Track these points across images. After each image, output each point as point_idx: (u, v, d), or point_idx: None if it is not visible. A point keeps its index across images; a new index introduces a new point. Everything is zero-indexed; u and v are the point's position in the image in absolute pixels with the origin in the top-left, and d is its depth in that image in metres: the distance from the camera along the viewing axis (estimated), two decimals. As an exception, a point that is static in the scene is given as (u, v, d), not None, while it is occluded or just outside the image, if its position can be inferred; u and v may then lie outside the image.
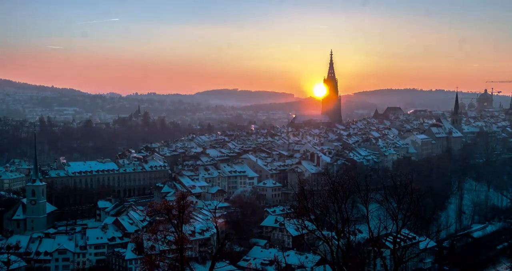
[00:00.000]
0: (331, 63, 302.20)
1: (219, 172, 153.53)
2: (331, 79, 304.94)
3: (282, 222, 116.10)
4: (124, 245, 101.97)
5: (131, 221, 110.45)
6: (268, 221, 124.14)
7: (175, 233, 51.76)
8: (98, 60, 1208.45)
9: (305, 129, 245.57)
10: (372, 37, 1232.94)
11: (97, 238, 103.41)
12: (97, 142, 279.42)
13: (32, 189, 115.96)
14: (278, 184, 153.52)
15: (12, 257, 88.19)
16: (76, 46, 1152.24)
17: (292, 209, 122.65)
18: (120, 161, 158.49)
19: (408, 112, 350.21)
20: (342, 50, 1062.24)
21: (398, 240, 40.06)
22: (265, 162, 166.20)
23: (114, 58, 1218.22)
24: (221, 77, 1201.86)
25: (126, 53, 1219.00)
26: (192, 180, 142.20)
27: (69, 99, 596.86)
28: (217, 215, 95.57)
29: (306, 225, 39.80)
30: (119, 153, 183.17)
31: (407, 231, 72.43)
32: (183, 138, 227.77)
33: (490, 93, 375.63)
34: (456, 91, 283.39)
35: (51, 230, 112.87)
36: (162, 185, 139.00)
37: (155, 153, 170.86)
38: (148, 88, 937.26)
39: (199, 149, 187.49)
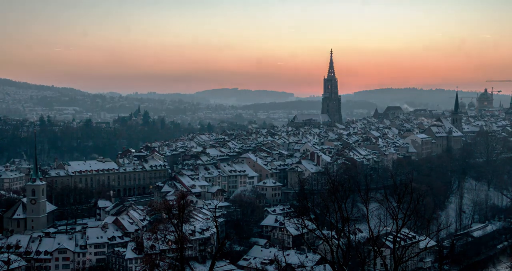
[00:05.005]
0: (331, 63, 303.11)
1: (219, 172, 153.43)
2: (331, 78, 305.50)
3: (282, 222, 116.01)
4: (124, 245, 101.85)
5: (131, 221, 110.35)
6: (268, 221, 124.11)
7: (175, 233, 51.87)
8: (98, 59, 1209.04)
9: (305, 128, 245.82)
10: (372, 36, 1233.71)
11: (97, 237, 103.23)
12: (97, 142, 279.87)
13: (32, 189, 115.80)
14: (278, 184, 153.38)
15: (12, 257, 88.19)
16: (76, 45, 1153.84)
17: (292, 209, 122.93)
18: (120, 160, 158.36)
19: (408, 111, 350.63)
20: (342, 49, 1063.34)
21: (398, 239, 40.09)
22: (265, 161, 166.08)
23: (114, 57, 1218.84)
24: (221, 76, 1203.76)
25: (126, 52, 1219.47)
26: (192, 179, 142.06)
27: (69, 99, 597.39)
28: (217, 214, 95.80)
29: (306, 225, 39.87)
30: (119, 152, 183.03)
31: (407, 231, 72.29)
32: (183, 138, 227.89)
33: (490, 92, 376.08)
34: (456, 90, 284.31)
35: (51, 230, 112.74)
36: (162, 185, 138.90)
37: (155, 153, 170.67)
38: (148, 88, 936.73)
39: (199, 149, 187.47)
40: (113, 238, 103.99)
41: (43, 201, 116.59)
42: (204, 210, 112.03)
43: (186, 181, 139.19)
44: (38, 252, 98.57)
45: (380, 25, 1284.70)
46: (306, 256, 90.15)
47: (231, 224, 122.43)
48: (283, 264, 72.18)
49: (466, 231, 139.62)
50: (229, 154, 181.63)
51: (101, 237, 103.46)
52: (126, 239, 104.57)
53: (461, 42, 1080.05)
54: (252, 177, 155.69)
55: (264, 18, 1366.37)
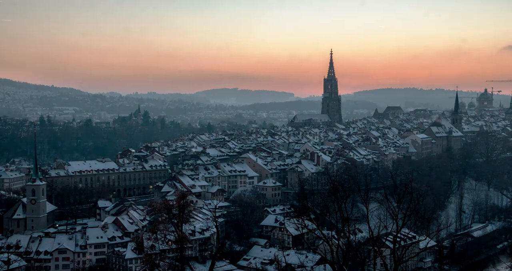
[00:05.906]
0: (331, 63, 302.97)
1: (219, 172, 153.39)
2: (331, 78, 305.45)
3: (282, 222, 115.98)
4: (124, 245, 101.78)
5: (131, 221, 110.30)
6: (268, 221, 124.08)
7: (175, 233, 51.90)
8: (98, 59, 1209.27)
9: (305, 128, 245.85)
10: (372, 36, 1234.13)
11: (97, 237, 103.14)
12: (97, 142, 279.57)
13: (32, 189, 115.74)
14: (278, 184, 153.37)
15: (12, 257, 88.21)
16: (76, 45, 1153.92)
17: (292, 209, 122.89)
18: (120, 160, 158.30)
19: (408, 111, 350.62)
20: (342, 49, 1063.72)
21: (398, 239, 40.10)
22: (265, 161, 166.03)
23: (114, 58, 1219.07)
24: (221, 76, 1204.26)
25: (126, 52, 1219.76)
26: (192, 179, 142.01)
27: (69, 99, 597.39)
28: (217, 214, 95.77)
29: (306, 225, 39.88)
30: (119, 152, 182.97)
31: (407, 231, 72.36)
32: (183, 138, 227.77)
33: (490, 92, 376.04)
34: (456, 90, 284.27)
35: (51, 230, 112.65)
36: (162, 185, 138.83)
37: (155, 153, 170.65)
38: (148, 88, 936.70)
39: (199, 149, 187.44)
40: (113, 238, 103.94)
41: (43, 201, 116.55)
42: (204, 210, 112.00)
43: (186, 181, 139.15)
44: (38, 252, 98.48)
45: (380, 25, 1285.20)
46: (306, 256, 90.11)
47: (231, 224, 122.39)
48: (283, 264, 72.22)
49: (466, 231, 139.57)
50: (229, 154, 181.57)
51: (101, 237, 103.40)
52: (126, 239, 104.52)
53: (461, 42, 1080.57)
54: (252, 177, 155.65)
55: (264, 18, 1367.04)
